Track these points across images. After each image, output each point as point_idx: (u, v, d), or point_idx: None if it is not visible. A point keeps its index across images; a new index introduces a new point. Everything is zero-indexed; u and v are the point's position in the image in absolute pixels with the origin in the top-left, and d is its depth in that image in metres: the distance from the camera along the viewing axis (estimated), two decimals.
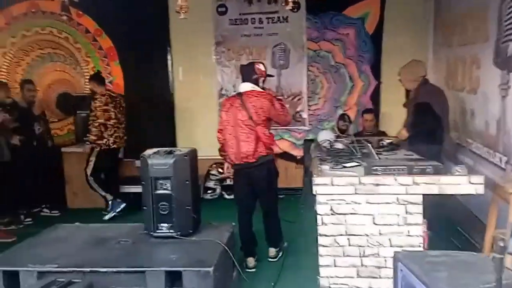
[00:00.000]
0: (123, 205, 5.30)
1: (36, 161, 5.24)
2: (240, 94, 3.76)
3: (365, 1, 5.83)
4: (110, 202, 5.31)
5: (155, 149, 2.69)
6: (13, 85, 5.88)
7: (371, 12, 5.85)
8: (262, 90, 3.78)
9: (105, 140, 5.19)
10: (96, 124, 5.12)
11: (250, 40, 6.05)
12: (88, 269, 2.21)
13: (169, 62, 6.19)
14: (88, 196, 5.62)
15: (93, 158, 5.24)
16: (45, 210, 5.52)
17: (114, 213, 5.25)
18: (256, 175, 3.70)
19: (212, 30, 6.06)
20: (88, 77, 6.01)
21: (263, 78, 3.84)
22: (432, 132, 3.98)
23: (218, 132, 3.80)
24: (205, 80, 6.16)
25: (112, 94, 5.39)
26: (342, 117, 5.70)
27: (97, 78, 5.39)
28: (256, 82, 3.80)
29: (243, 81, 3.83)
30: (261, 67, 3.84)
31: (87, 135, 5.18)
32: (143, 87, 6.24)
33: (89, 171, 5.27)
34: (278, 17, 5.95)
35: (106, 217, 5.22)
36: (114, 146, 5.29)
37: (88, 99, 5.72)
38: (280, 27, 5.97)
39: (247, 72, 3.83)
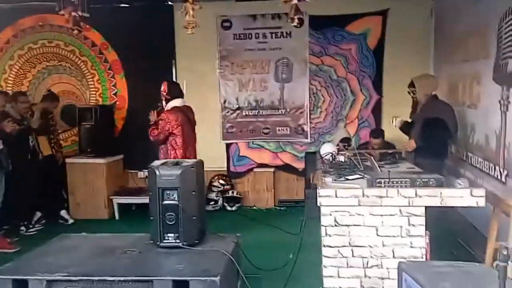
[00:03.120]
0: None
1: (33, 172, 5.17)
2: (179, 108, 4.45)
3: (367, 18, 5.95)
4: None
5: (162, 160, 2.73)
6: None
7: (373, 28, 5.97)
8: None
9: None
10: None
11: (253, 54, 6.15)
12: (97, 278, 2.24)
13: (174, 76, 6.27)
14: (91, 207, 5.69)
15: None
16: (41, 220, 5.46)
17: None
18: None
19: (217, 44, 6.16)
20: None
21: None
22: (439, 146, 4.11)
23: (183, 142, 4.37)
24: (208, 93, 6.24)
25: None
26: (344, 140, 5.21)
27: None
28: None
29: (179, 97, 4.53)
30: None
31: None
32: (147, 100, 6.27)
33: None
34: (282, 32, 6.06)
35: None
36: None
37: (92, 110, 5.80)
38: (284, 42, 6.08)
39: (180, 89, 4.63)
